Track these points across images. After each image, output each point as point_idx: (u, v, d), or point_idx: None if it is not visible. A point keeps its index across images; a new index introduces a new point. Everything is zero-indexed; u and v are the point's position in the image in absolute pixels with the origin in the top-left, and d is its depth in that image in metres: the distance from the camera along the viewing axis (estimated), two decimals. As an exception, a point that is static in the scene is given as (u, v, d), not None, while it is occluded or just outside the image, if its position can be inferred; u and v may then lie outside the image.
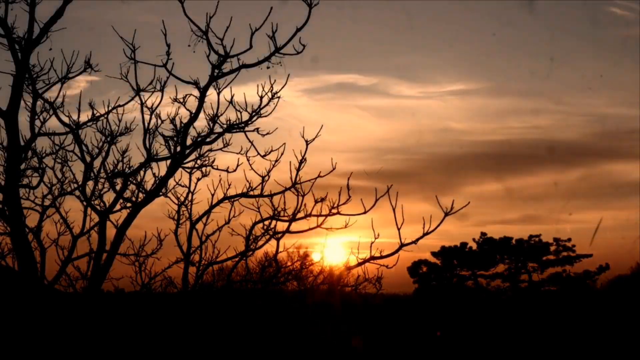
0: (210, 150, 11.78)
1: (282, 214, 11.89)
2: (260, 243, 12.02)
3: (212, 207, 12.06)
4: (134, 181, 11.63)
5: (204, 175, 12.14)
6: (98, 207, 11.75)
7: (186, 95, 11.24)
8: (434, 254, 54.72)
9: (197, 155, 11.78)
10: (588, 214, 68.10)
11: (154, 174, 11.54)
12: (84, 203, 12.02)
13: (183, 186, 12.19)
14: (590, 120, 70.98)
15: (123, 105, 11.67)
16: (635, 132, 71.11)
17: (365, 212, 11.38)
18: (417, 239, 11.08)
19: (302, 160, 11.69)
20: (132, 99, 11.50)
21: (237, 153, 11.78)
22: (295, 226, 11.87)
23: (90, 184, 11.88)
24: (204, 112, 11.21)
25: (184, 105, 11.29)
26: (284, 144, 11.67)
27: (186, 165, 11.75)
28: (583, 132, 70.89)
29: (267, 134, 11.54)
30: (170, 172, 11.37)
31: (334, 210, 11.62)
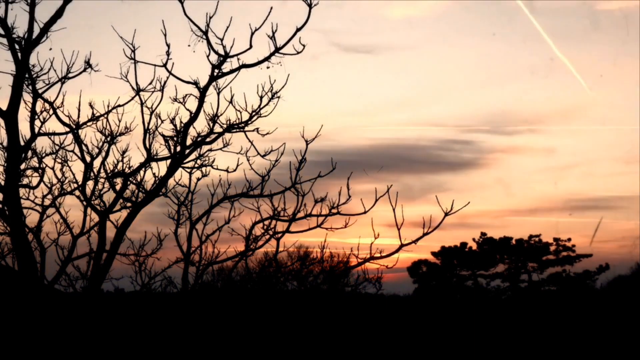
0: (210, 150, 11.80)
1: (282, 214, 11.90)
2: (260, 243, 12.02)
3: (212, 207, 12.06)
4: (134, 181, 11.64)
5: (204, 175, 12.15)
6: (98, 207, 11.76)
7: (186, 95, 11.27)
8: (434, 254, 54.69)
9: (197, 155, 11.80)
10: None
11: (154, 174, 11.56)
12: (84, 203, 12.03)
13: (183, 186, 12.20)
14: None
15: (123, 105, 11.70)
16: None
17: (365, 212, 11.39)
18: (417, 239, 11.08)
19: (302, 160, 11.71)
20: (132, 98, 11.52)
21: (237, 153, 11.80)
22: (295, 226, 11.89)
23: (90, 184, 11.91)
24: (204, 112, 11.24)
25: (184, 105, 11.31)
26: (284, 143, 11.72)
27: (186, 165, 11.76)
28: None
29: (267, 133, 11.57)
30: (170, 172, 11.37)
31: (334, 210, 11.63)
